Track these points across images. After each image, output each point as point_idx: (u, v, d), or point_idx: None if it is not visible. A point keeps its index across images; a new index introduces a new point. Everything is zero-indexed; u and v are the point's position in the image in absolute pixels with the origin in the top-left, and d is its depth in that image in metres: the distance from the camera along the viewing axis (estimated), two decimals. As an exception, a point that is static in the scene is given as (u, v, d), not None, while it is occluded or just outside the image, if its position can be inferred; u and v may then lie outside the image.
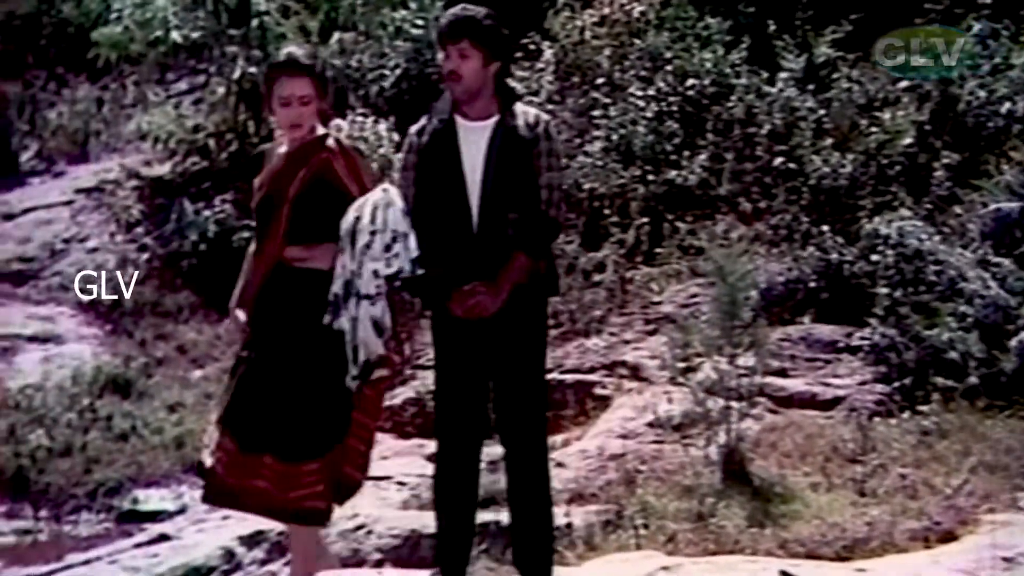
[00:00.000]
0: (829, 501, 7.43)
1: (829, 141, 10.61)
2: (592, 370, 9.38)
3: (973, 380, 8.37)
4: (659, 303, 9.97)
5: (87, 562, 8.63)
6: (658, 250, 10.47)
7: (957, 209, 9.90)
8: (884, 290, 9.09)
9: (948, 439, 7.96)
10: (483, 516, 6.23)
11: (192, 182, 13.03)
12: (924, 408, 8.27)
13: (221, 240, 11.78)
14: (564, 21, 12.24)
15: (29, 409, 10.23)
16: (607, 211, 10.72)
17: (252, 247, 5.97)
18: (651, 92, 11.35)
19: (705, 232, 10.08)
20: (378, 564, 7.38)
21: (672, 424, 8.32)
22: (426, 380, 9.52)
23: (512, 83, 6.11)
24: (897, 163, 10.42)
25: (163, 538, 8.71)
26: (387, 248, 5.59)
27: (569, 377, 9.19)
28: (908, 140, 10.48)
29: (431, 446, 8.64)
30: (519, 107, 5.84)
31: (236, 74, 12.88)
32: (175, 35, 13.32)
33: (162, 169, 13.44)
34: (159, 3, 13.45)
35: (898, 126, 10.54)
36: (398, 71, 12.58)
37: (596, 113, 11.42)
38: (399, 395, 9.71)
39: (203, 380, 10.63)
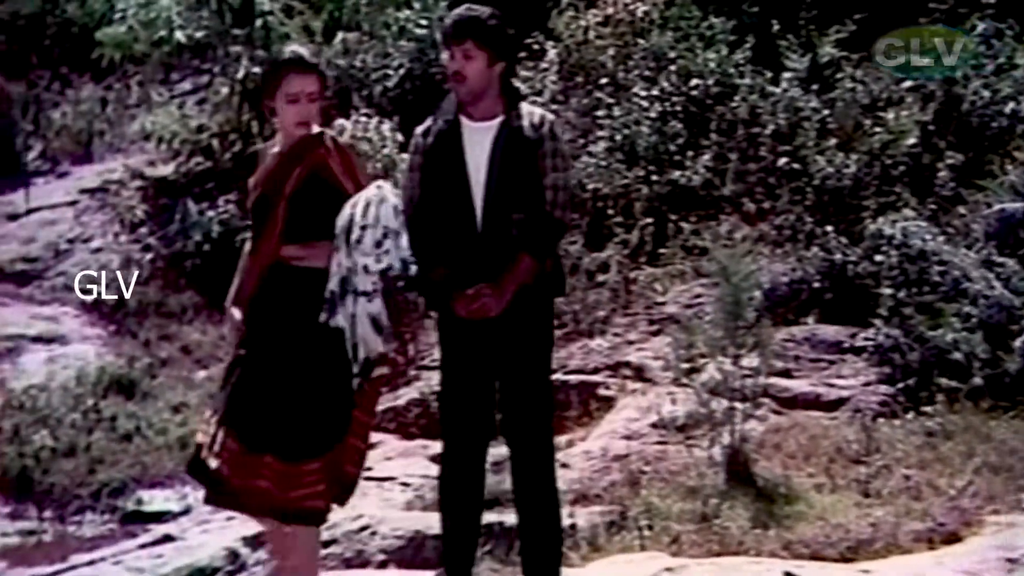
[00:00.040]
0: (833, 502, 7.43)
1: (833, 141, 10.61)
2: (596, 371, 9.38)
3: (977, 381, 8.36)
4: (663, 304, 9.97)
5: (91, 563, 8.63)
6: (662, 250, 10.47)
7: (961, 209, 9.89)
8: (888, 291, 9.08)
9: (952, 440, 7.95)
10: (487, 517, 6.22)
11: (196, 182, 13.04)
12: (928, 409, 8.26)
13: (225, 240, 11.78)
14: (568, 21, 12.24)
15: (33, 409, 10.23)
16: (611, 211, 10.72)
17: (247, 246, 5.97)
18: (655, 92, 11.35)
19: (709, 232, 10.09)
20: (382, 565, 7.38)
21: (676, 425, 8.32)
22: (430, 381, 9.53)
23: (516, 83, 6.07)
24: (901, 163, 10.41)
25: (167, 539, 8.71)
26: (378, 244, 5.57)
27: (573, 378, 9.18)
28: (912, 140, 10.48)
29: (435, 447, 8.67)
30: (525, 107, 5.84)
31: (240, 74, 12.88)
32: (179, 35, 13.33)
33: (166, 169, 13.44)
34: (163, 3, 13.46)
35: (902, 126, 10.54)
36: (402, 71, 12.58)
37: (600, 113, 11.42)
38: (403, 396, 9.72)
39: (207, 381, 10.62)
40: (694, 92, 11.35)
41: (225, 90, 13.23)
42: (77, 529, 9.36)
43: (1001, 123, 10.56)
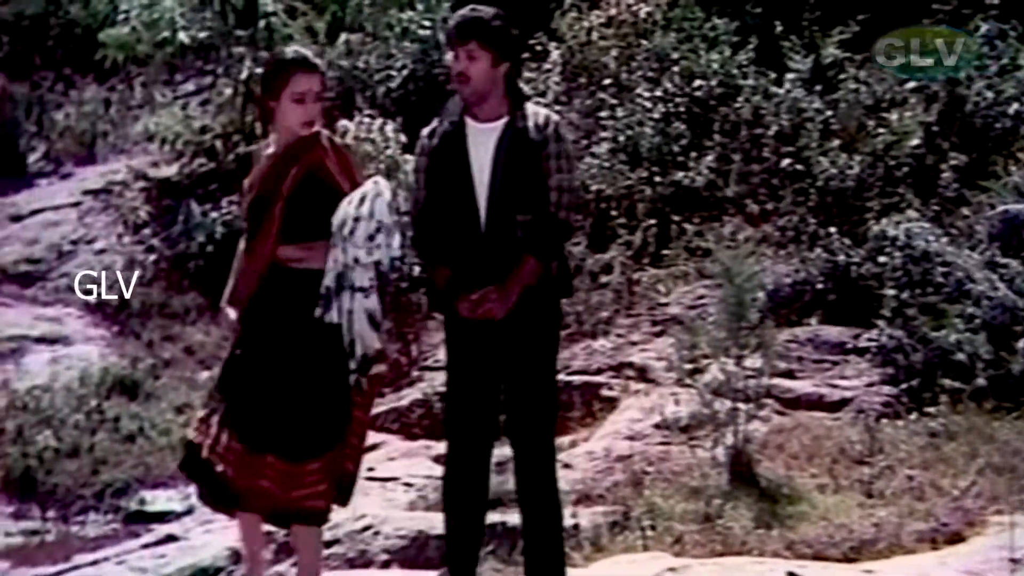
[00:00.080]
0: (836, 502, 7.43)
1: (836, 142, 10.60)
2: (599, 371, 9.38)
3: (981, 382, 8.36)
4: (666, 304, 9.97)
5: (94, 563, 8.65)
6: (665, 252, 10.47)
7: (965, 210, 9.89)
8: (891, 292, 9.08)
9: (956, 441, 7.95)
10: (490, 517, 6.21)
11: (199, 183, 13.04)
12: (931, 410, 8.26)
13: (228, 242, 11.76)
14: (571, 22, 12.24)
15: (37, 410, 10.24)
16: (614, 212, 10.72)
17: (241, 245, 5.97)
18: (658, 93, 11.35)
19: (712, 233, 10.09)
20: (385, 565, 7.38)
21: (679, 426, 8.32)
22: (433, 381, 9.54)
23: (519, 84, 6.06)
24: (904, 164, 10.41)
25: (170, 539, 8.72)
26: (370, 238, 5.57)
27: (576, 378, 9.18)
28: (915, 141, 10.48)
29: (438, 447, 8.68)
30: (530, 108, 5.82)
31: (243, 75, 12.89)
32: (182, 36, 13.34)
33: (169, 170, 13.45)
34: (166, 4, 13.47)
35: (905, 127, 10.53)
36: (405, 72, 12.58)
37: (603, 114, 11.42)
38: (406, 396, 9.73)
39: (210, 381, 10.62)
40: (697, 93, 11.35)
41: (228, 91, 13.23)
42: (80, 529, 9.37)
43: (1005, 124, 10.56)
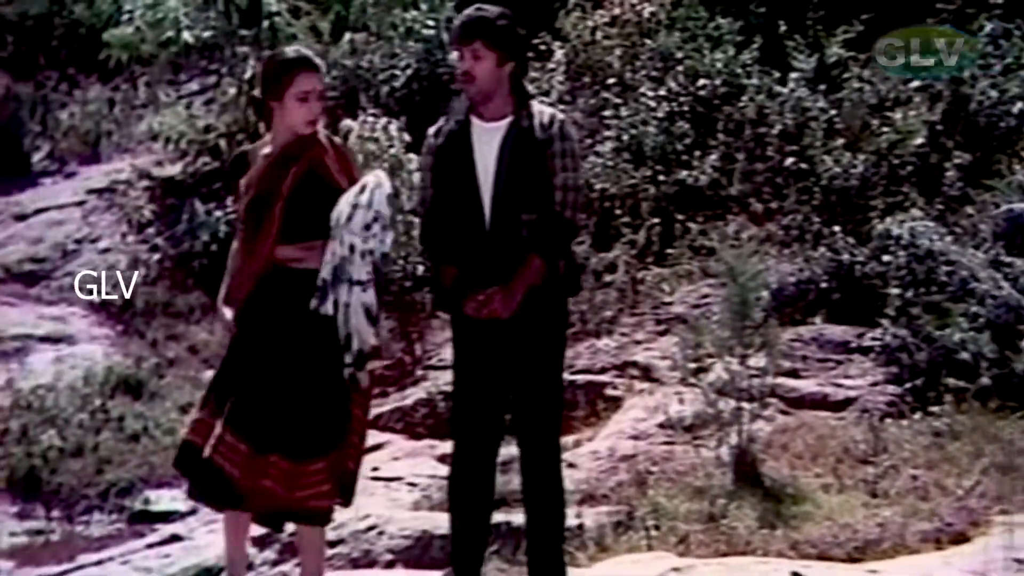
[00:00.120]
0: (841, 502, 7.42)
1: (840, 141, 10.61)
2: (603, 371, 9.38)
3: (985, 381, 8.35)
4: (670, 304, 9.97)
5: (99, 562, 8.66)
6: (669, 251, 10.47)
7: (969, 209, 9.89)
8: (896, 291, 9.08)
9: (960, 440, 7.94)
10: (495, 517, 6.21)
11: (203, 182, 13.05)
12: (936, 409, 8.26)
13: (232, 241, 11.78)
14: (575, 21, 12.24)
15: (41, 409, 10.25)
16: (618, 211, 10.72)
17: (235, 245, 5.97)
18: (662, 92, 11.36)
19: (716, 232, 10.09)
20: (389, 565, 7.38)
21: (683, 425, 8.32)
22: (437, 381, 9.55)
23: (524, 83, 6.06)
24: (909, 163, 10.41)
25: (175, 538, 8.73)
26: (367, 227, 5.57)
27: (580, 378, 9.18)
28: (920, 140, 10.48)
29: (442, 447, 8.69)
30: (536, 107, 5.82)
31: (247, 75, 12.89)
32: (186, 36, 13.35)
33: (173, 169, 13.46)
34: (170, 4, 13.48)
35: (910, 126, 10.53)
36: (409, 71, 12.59)
37: (607, 113, 11.42)
38: (410, 396, 9.73)
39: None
40: (701, 92, 11.36)
41: (232, 90, 13.24)
42: (85, 529, 9.37)
43: (1009, 123, 10.55)
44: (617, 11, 12.17)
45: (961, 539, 6.93)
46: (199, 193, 12.86)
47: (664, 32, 11.92)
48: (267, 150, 5.85)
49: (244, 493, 5.65)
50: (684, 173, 10.88)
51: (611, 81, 11.69)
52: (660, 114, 11.19)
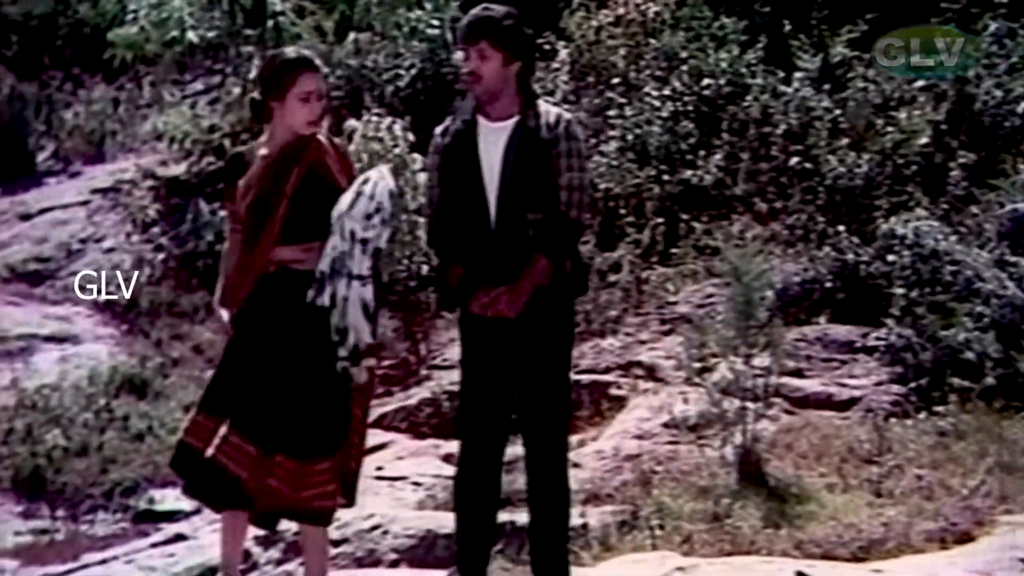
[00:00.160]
0: (845, 502, 7.42)
1: (845, 141, 10.60)
2: (607, 370, 9.38)
3: (990, 380, 8.35)
4: (675, 303, 9.97)
5: (103, 562, 8.66)
6: (673, 250, 10.46)
7: (974, 209, 9.89)
8: (900, 290, 9.08)
9: (965, 440, 7.94)
10: (500, 516, 6.21)
11: (208, 182, 13.04)
12: (940, 409, 8.25)
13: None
14: (579, 21, 12.24)
15: (46, 409, 10.25)
16: (622, 211, 10.72)
17: (226, 246, 5.97)
18: (666, 92, 11.35)
19: (721, 232, 10.08)
20: (394, 564, 7.38)
21: (688, 425, 8.32)
22: (442, 380, 9.55)
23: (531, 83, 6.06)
24: (913, 163, 10.40)
25: (179, 538, 8.73)
26: (367, 216, 5.58)
27: (585, 377, 9.17)
28: (924, 140, 10.47)
29: (447, 446, 8.69)
30: (543, 106, 5.82)
31: (252, 74, 12.89)
32: (191, 35, 13.36)
33: (178, 169, 13.46)
34: (175, 3, 13.48)
35: (914, 126, 10.53)
36: (413, 71, 12.58)
37: (611, 113, 11.42)
38: (415, 395, 9.73)
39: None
40: (706, 92, 11.36)
41: (237, 90, 13.25)
42: (89, 528, 9.38)
43: (1014, 122, 10.55)
44: (621, 11, 12.17)
45: (966, 539, 6.93)
46: (203, 193, 12.86)
47: (668, 32, 11.92)
48: (264, 151, 5.84)
49: (251, 493, 5.65)
50: (688, 173, 10.88)
51: (615, 81, 11.69)
52: (664, 114, 11.19)
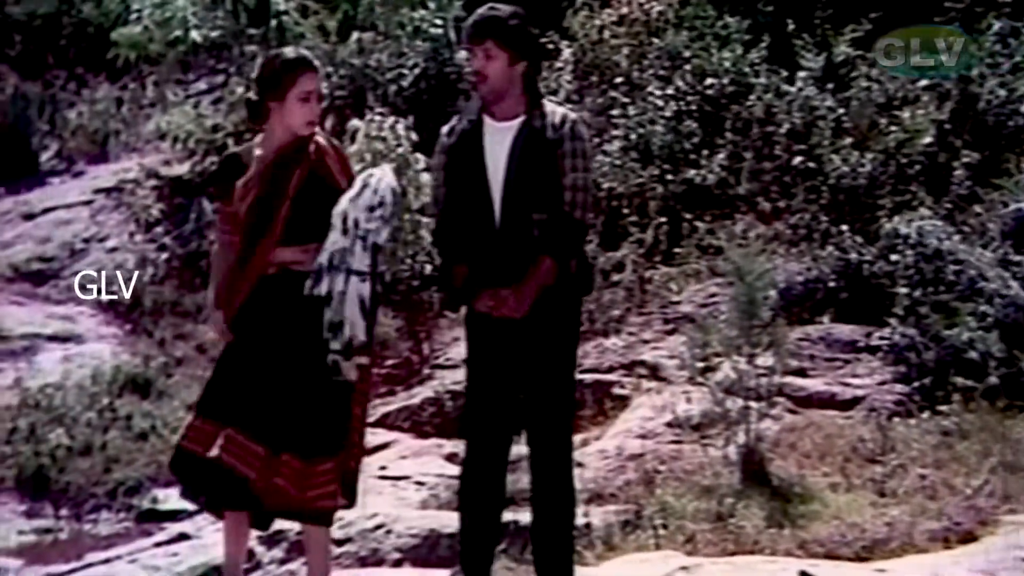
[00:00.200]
0: (848, 501, 7.42)
1: (848, 140, 10.60)
2: (611, 370, 9.38)
3: (993, 380, 8.35)
4: (678, 303, 9.97)
5: (107, 561, 8.66)
6: (677, 250, 10.46)
7: (977, 208, 9.89)
8: (904, 290, 9.08)
9: (968, 439, 7.94)
10: (503, 516, 6.21)
11: (211, 182, 13.04)
12: (944, 408, 8.26)
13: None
14: (583, 20, 12.24)
15: (49, 408, 10.25)
16: (626, 210, 10.72)
17: (215, 248, 5.97)
18: (670, 91, 11.35)
19: (724, 231, 10.09)
20: (397, 564, 7.38)
21: (691, 424, 8.32)
22: (445, 380, 9.55)
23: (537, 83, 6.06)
24: (917, 162, 10.40)
25: (183, 537, 8.73)
26: (371, 208, 5.59)
27: (588, 377, 9.17)
28: (928, 139, 10.47)
29: (450, 446, 8.70)
30: (548, 106, 5.82)
31: (255, 74, 12.89)
32: (194, 35, 13.36)
33: (181, 169, 13.46)
34: (178, 3, 13.49)
35: (918, 125, 10.53)
36: (417, 70, 12.57)
37: (615, 112, 11.42)
38: (418, 395, 9.73)
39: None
40: (709, 91, 11.35)
41: (240, 90, 13.23)
42: (93, 527, 9.38)
43: (1017, 122, 10.55)
44: (625, 10, 12.17)
45: (969, 538, 6.93)
46: (207, 192, 12.85)
47: (672, 31, 11.92)
48: (260, 151, 5.83)
49: (259, 493, 5.65)
50: (692, 172, 10.88)
51: (619, 80, 11.69)
52: (668, 113, 11.19)
